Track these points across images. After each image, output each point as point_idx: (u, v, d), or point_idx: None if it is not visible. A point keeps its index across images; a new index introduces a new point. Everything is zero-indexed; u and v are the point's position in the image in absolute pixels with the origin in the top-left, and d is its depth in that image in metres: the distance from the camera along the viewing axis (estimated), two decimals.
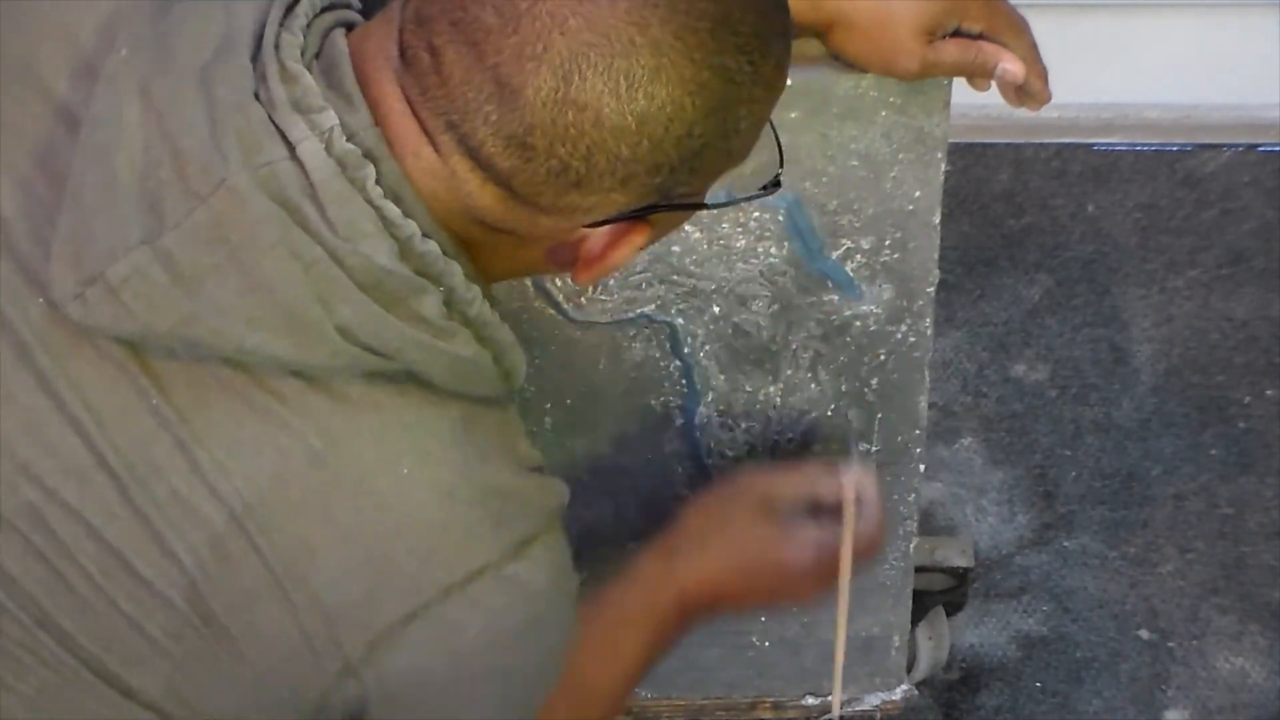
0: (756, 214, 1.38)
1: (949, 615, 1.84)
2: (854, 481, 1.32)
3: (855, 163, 1.36)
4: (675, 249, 1.40)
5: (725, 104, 0.94)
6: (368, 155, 0.92)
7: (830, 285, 1.43)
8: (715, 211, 1.38)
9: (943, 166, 1.37)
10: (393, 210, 0.92)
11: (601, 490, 1.56)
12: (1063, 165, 2.43)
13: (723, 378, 1.48)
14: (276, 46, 0.93)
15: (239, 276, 0.90)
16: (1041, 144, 2.44)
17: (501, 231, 0.97)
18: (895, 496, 1.56)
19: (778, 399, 1.50)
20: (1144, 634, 1.93)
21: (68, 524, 0.95)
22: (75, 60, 0.96)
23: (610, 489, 1.56)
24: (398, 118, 0.93)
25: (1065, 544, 2.01)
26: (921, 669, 1.82)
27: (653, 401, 1.50)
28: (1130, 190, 2.41)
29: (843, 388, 1.49)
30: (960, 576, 1.83)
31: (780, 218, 1.38)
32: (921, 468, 1.56)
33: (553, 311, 1.44)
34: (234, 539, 0.95)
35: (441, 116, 0.92)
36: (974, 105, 2.38)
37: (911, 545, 1.61)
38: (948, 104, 1.33)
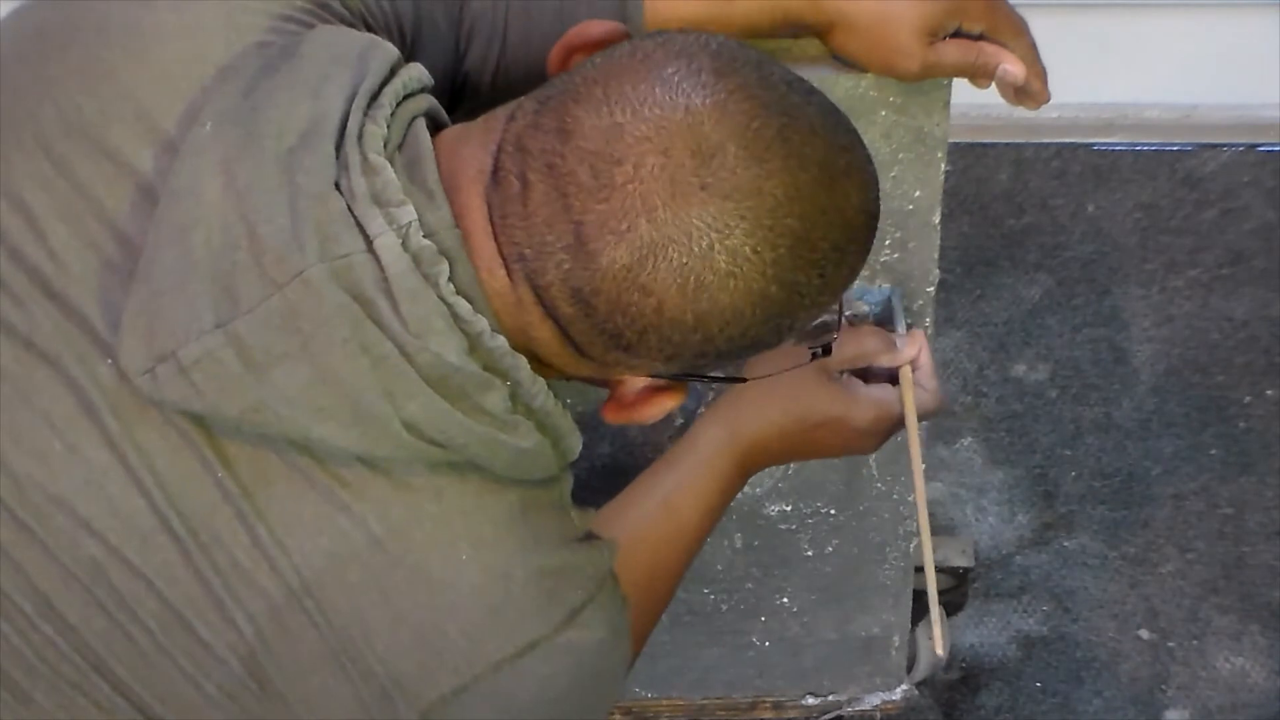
0: None
1: (949, 615, 1.84)
2: (908, 346, 1.32)
3: None
4: None
5: (786, 312, 0.95)
6: (444, 253, 0.93)
7: None
8: None
9: (943, 166, 1.37)
10: (464, 306, 0.93)
11: (602, 490, 1.56)
12: (1063, 165, 2.43)
13: None
14: (360, 137, 0.94)
15: (309, 367, 0.91)
16: (1041, 144, 2.44)
17: (550, 368, 0.99)
18: (895, 496, 1.56)
19: None
20: (1144, 634, 1.93)
21: (129, 581, 0.96)
22: (156, 133, 0.96)
23: (610, 489, 1.56)
24: (479, 231, 0.94)
25: (1065, 544, 2.01)
26: (921, 669, 1.82)
27: None
28: (1130, 190, 2.41)
29: None
30: (960, 576, 1.83)
31: None
32: (922, 468, 1.56)
33: None
34: (292, 612, 0.96)
35: (517, 246, 0.93)
36: (974, 105, 2.38)
37: (911, 545, 1.61)
38: (948, 104, 1.33)
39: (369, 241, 0.91)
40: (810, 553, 1.58)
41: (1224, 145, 2.46)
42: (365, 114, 0.94)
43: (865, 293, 1.43)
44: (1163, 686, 1.88)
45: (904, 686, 1.75)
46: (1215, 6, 2.41)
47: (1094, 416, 2.14)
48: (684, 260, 0.91)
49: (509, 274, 0.94)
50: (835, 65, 1.31)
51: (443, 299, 0.92)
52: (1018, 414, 2.14)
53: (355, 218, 0.91)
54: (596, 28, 1.01)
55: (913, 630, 1.76)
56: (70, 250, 0.95)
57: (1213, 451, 2.10)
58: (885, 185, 1.37)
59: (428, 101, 0.99)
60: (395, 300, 0.91)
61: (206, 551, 0.95)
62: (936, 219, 1.39)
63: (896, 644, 1.69)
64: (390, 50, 0.98)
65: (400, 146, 0.95)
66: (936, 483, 2.06)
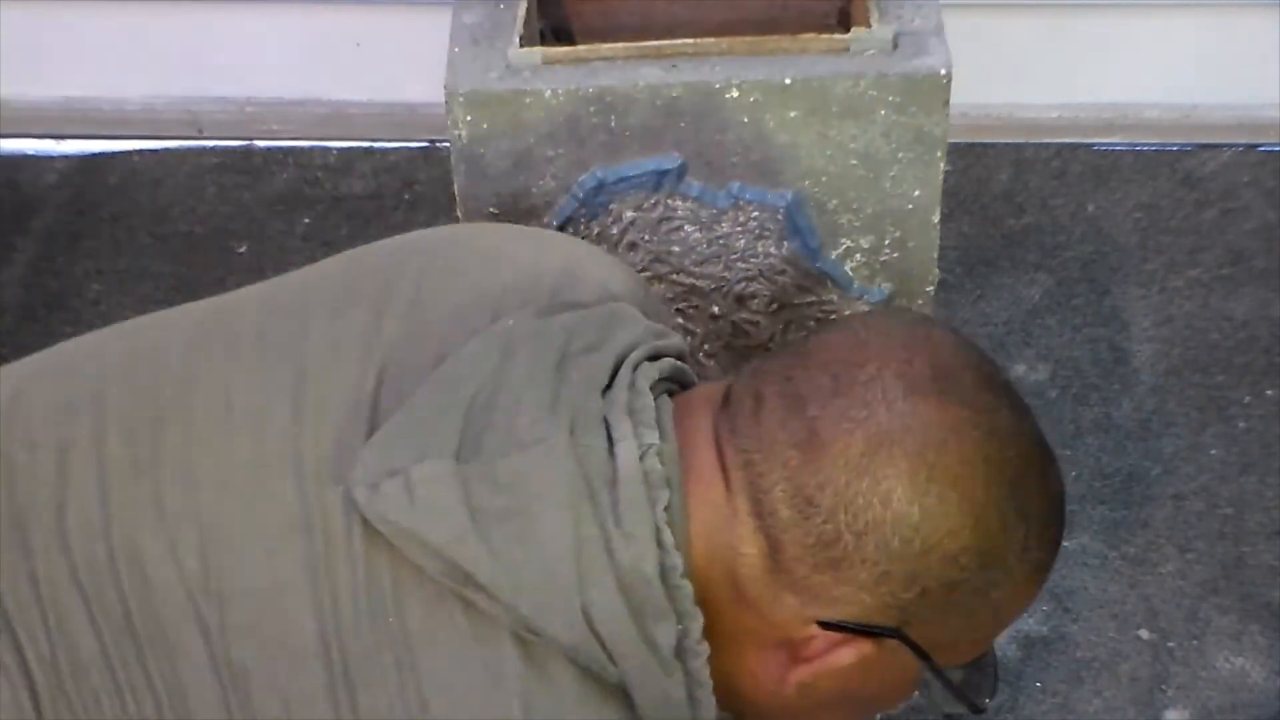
0: (756, 213, 1.38)
1: None
2: None
3: (855, 162, 1.36)
4: (675, 249, 1.40)
5: (994, 553, 0.99)
6: (668, 481, 0.98)
7: (830, 284, 1.43)
8: (714, 210, 1.38)
9: (942, 166, 1.37)
10: (668, 538, 0.97)
11: None
12: (1063, 165, 2.43)
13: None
14: (636, 367, 1.02)
15: (519, 524, 0.95)
16: (1041, 144, 2.43)
17: (743, 605, 1.00)
18: None
19: None
20: (1144, 634, 1.93)
21: (266, 696, 0.98)
22: (472, 314, 1.06)
23: None
24: (702, 448, 1.00)
25: (1065, 544, 2.00)
26: None
27: None
28: (1130, 190, 2.41)
29: None
30: None
31: (780, 217, 1.38)
32: None
33: None
34: None
35: (742, 454, 0.98)
36: (974, 105, 2.38)
37: None
38: (947, 103, 1.33)
39: (611, 444, 0.97)
40: None
41: (1224, 145, 2.45)
42: (645, 358, 1.04)
43: (865, 291, 1.43)
44: (1162, 686, 1.88)
45: None
46: (1215, 6, 2.41)
47: (1094, 416, 2.14)
48: (919, 449, 0.95)
49: (727, 483, 0.99)
50: (835, 64, 1.31)
51: (655, 522, 0.96)
52: None
53: (607, 423, 0.98)
54: None
55: None
56: (350, 387, 1.03)
57: (1213, 451, 2.10)
58: (885, 184, 1.37)
59: (680, 380, 1.08)
60: (617, 500, 0.96)
61: (352, 690, 0.97)
62: (936, 219, 1.40)
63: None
64: (684, 344, 1.08)
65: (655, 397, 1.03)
66: None
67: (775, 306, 1.43)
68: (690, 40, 1.34)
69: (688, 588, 0.97)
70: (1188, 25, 2.42)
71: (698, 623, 0.98)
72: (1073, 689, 1.89)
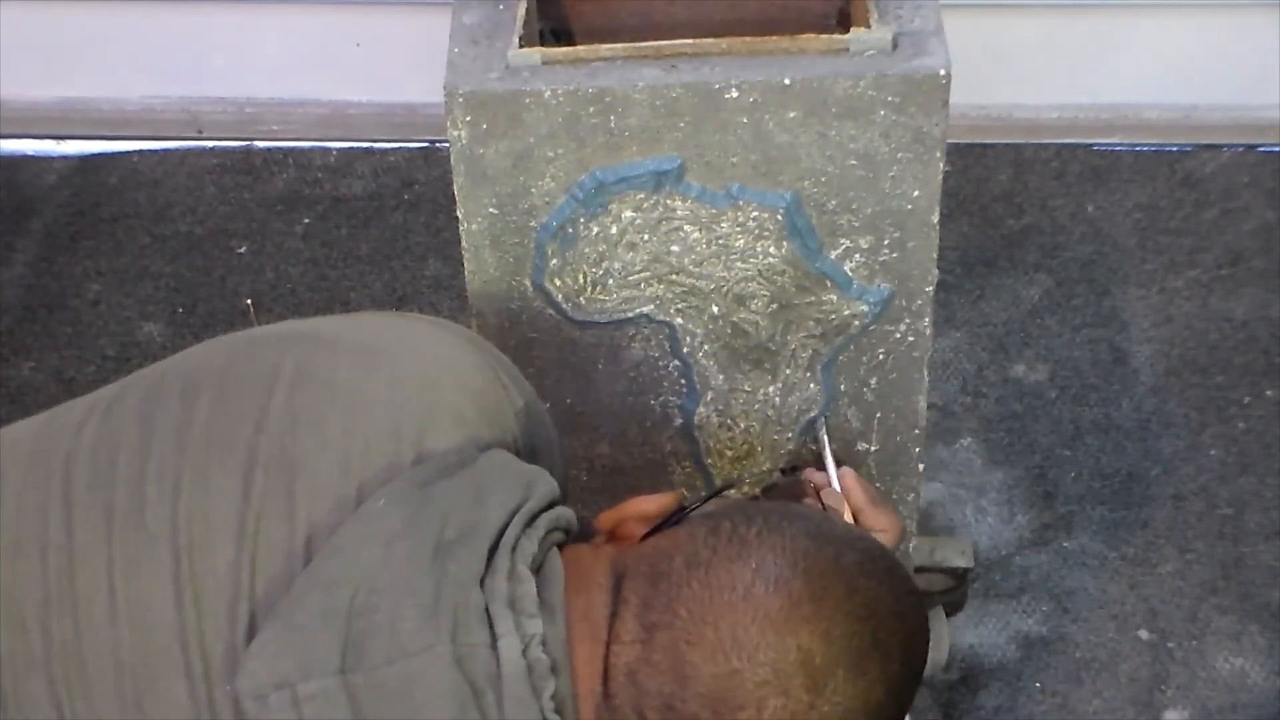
0: (755, 213, 1.38)
1: (949, 615, 1.84)
2: (833, 493, 1.34)
3: (854, 162, 1.36)
4: (674, 249, 1.40)
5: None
6: (555, 670, 1.02)
7: (829, 284, 1.43)
8: (714, 210, 1.38)
9: (941, 166, 1.37)
10: None
11: (602, 490, 1.56)
12: (1063, 165, 2.43)
13: (722, 377, 1.48)
14: (514, 548, 1.04)
15: None
16: (1041, 144, 2.44)
17: None
18: (894, 496, 1.56)
19: (777, 398, 1.50)
20: (1144, 634, 1.93)
21: None
22: (339, 494, 1.05)
23: (610, 489, 1.56)
24: (584, 646, 1.04)
25: (1065, 544, 2.01)
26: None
27: (652, 401, 1.50)
28: (1130, 190, 2.41)
29: (842, 387, 1.49)
30: (959, 577, 1.83)
31: (779, 217, 1.38)
32: (921, 468, 1.56)
33: (552, 311, 1.44)
34: None
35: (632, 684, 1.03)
36: (974, 105, 2.38)
37: (911, 545, 1.61)
38: (946, 104, 1.33)
39: (494, 639, 1.00)
40: None
41: (1224, 145, 2.46)
42: (523, 531, 1.05)
43: (865, 292, 1.43)
44: (1162, 687, 1.88)
45: None
46: (1215, 6, 2.41)
47: (1093, 417, 2.14)
48: None
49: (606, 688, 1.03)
50: (835, 64, 1.31)
51: (542, 712, 1.00)
52: (1017, 414, 2.14)
53: (489, 615, 1.01)
54: (652, 504, 1.12)
55: None
56: (226, 572, 1.03)
57: (1212, 452, 2.10)
58: (884, 185, 1.37)
59: (562, 536, 1.10)
60: (502, 698, 0.99)
61: None
62: (935, 219, 1.40)
63: None
64: (553, 484, 1.10)
65: (539, 569, 1.05)
66: (936, 483, 2.06)
67: (775, 306, 1.43)
68: (690, 40, 1.34)
69: None
70: (1188, 25, 2.42)
71: None
72: (1072, 689, 1.89)
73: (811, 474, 1.39)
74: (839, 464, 1.40)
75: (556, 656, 1.02)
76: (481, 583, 1.02)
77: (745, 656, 1.01)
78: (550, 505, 1.09)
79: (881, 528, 1.32)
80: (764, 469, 1.53)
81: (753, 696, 1.01)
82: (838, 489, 1.35)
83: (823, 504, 1.34)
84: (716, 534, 1.06)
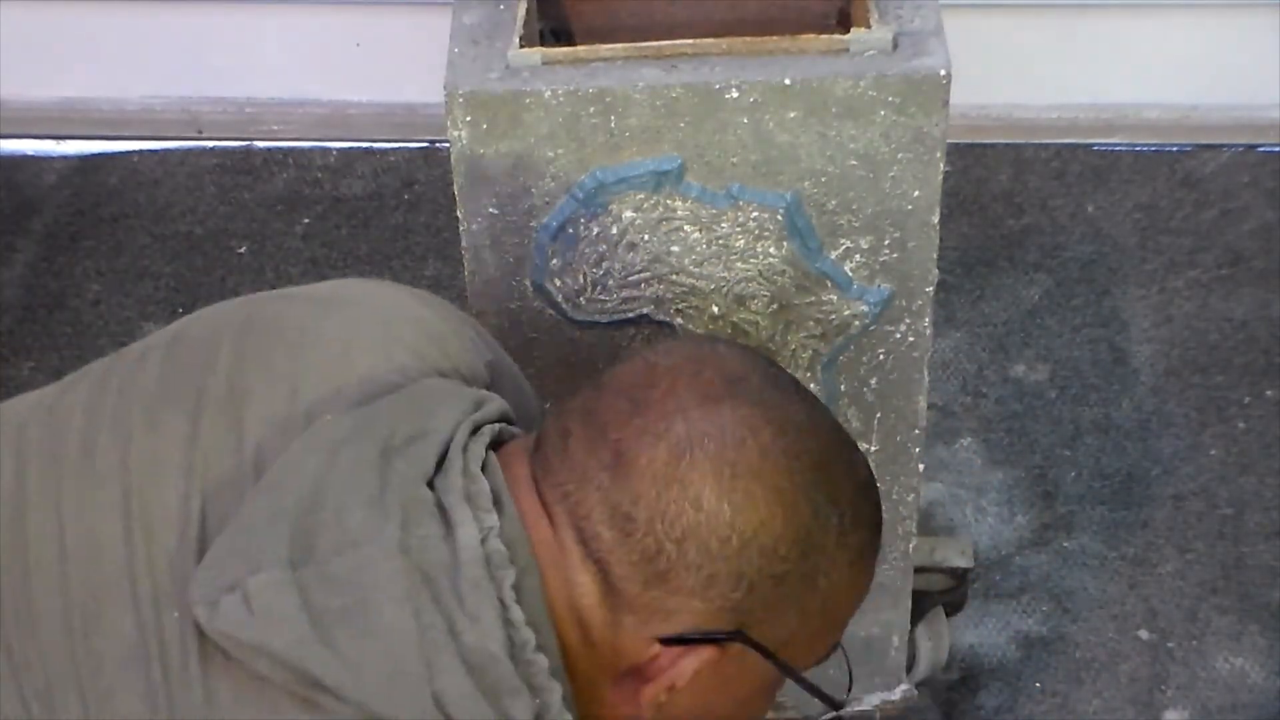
0: (755, 214, 1.38)
1: (948, 615, 1.84)
2: None
3: (854, 162, 1.36)
4: (674, 249, 1.40)
5: (810, 540, 1.01)
6: (513, 561, 1.00)
7: (829, 285, 1.43)
8: (714, 210, 1.38)
9: (941, 166, 1.37)
10: (517, 614, 0.98)
11: None
12: (1063, 165, 2.43)
13: None
14: (465, 449, 1.03)
15: (361, 621, 0.96)
16: (1041, 144, 2.44)
17: (591, 645, 1.02)
18: (894, 496, 1.56)
19: None
20: (1143, 634, 1.93)
21: None
22: (285, 416, 1.06)
23: None
24: (524, 492, 1.03)
25: (1065, 544, 2.01)
26: (921, 669, 1.82)
27: None
28: (1130, 190, 2.41)
29: (842, 387, 1.49)
30: (960, 576, 1.83)
31: (779, 217, 1.38)
32: (921, 468, 1.56)
33: (552, 311, 1.44)
34: None
35: (559, 488, 1.02)
36: (974, 105, 2.38)
37: (911, 545, 1.61)
38: (946, 104, 1.33)
39: (449, 530, 0.99)
40: None
41: (1224, 145, 2.46)
42: (471, 435, 1.04)
43: (865, 292, 1.43)
44: (1162, 687, 1.88)
45: (903, 686, 1.75)
46: (1215, 6, 2.41)
47: (1094, 416, 2.14)
48: (719, 450, 0.99)
49: (552, 521, 1.01)
50: (835, 64, 1.31)
51: (501, 600, 0.98)
52: (1017, 414, 2.14)
53: (442, 509, 1.00)
54: None
55: (912, 630, 1.76)
56: (176, 505, 1.04)
57: (1212, 452, 2.10)
58: (884, 185, 1.37)
59: (510, 432, 1.09)
60: (457, 584, 0.97)
61: None
62: (935, 219, 1.40)
63: (896, 644, 1.69)
64: (503, 403, 1.09)
65: (484, 467, 1.04)
66: (936, 483, 2.06)
67: (775, 307, 1.43)
68: (690, 40, 1.34)
69: (541, 661, 0.99)
70: (1188, 25, 2.42)
71: (555, 695, 1.00)
72: (1072, 689, 1.89)
73: None
74: None
75: (518, 552, 1.00)
76: (431, 485, 1.01)
77: (663, 354, 1.04)
78: (501, 418, 1.08)
79: None
80: None
81: (665, 376, 1.02)
82: None
83: None
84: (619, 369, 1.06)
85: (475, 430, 1.05)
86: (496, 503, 1.02)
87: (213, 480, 1.04)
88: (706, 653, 1.02)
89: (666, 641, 1.01)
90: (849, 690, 1.15)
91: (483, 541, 0.99)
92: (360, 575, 0.97)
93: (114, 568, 1.03)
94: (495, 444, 1.07)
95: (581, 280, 1.42)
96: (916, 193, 1.38)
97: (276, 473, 1.02)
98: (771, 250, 1.40)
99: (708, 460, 0.99)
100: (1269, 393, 2.15)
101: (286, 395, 1.06)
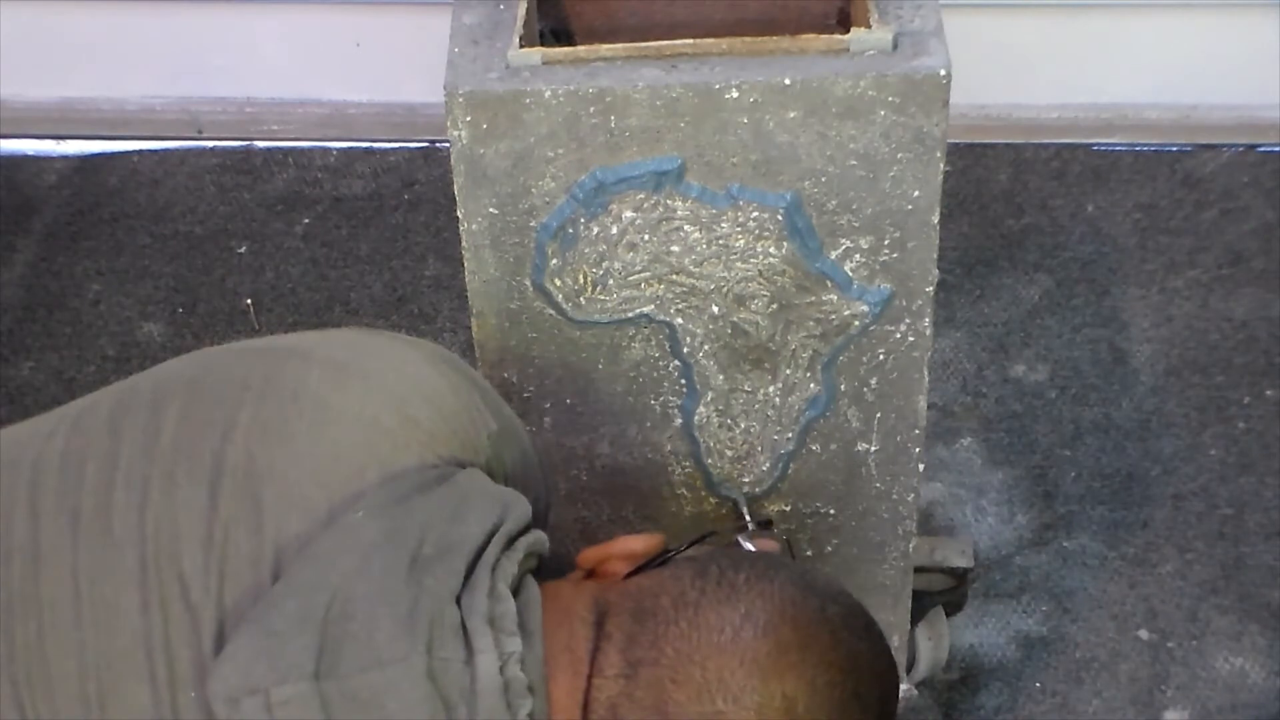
0: (755, 214, 1.38)
1: (948, 615, 1.84)
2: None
3: (854, 162, 1.36)
4: (674, 249, 1.40)
5: None
6: (530, 687, 1.01)
7: (829, 284, 1.43)
8: (714, 210, 1.38)
9: (941, 166, 1.37)
10: None
11: (602, 491, 1.56)
12: (1063, 165, 2.43)
13: (721, 377, 1.48)
14: (494, 567, 1.04)
15: None
16: (1041, 144, 2.44)
17: None
18: (894, 496, 1.57)
19: (777, 398, 1.50)
20: (1143, 634, 1.93)
21: None
22: (309, 506, 1.05)
23: (610, 489, 1.56)
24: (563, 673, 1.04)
25: (1065, 544, 2.01)
26: (921, 669, 1.82)
27: (652, 401, 1.50)
28: (1130, 190, 2.41)
29: (842, 387, 1.49)
30: (960, 577, 1.83)
31: (779, 217, 1.38)
32: (921, 468, 1.56)
33: (552, 312, 1.44)
34: None
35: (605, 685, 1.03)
36: (974, 105, 2.38)
37: (911, 545, 1.61)
38: (946, 104, 1.33)
39: (471, 655, 1.00)
40: (810, 552, 1.59)
41: (1224, 145, 2.46)
42: (502, 551, 1.05)
43: (865, 292, 1.43)
44: (1162, 687, 1.88)
45: (904, 686, 1.75)
46: (1215, 6, 2.41)
47: (1094, 417, 2.14)
48: None
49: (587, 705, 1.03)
50: (835, 66, 1.31)
51: None
52: (1017, 414, 2.14)
53: (466, 632, 1.00)
54: (638, 544, 1.12)
55: (912, 630, 1.76)
56: (193, 579, 1.03)
57: (1212, 452, 2.10)
58: (884, 185, 1.37)
59: (536, 562, 1.10)
60: (476, 713, 0.99)
61: None
62: (935, 219, 1.40)
63: (896, 644, 1.69)
64: (528, 507, 1.09)
65: (516, 593, 1.05)
66: (936, 483, 2.06)
67: (775, 306, 1.43)
68: (690, 40, 1.34)
69: None
70: (1188, 25, 2.42)
71: None
72: (1072, 689, 1.89)
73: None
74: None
75: (533, 679, 1.02)
76: (458, 600, 1.02)
77: (730, 699, 1.01)
78: (526, 529, 1.09)
79: None
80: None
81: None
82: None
83: None
84: (704, 576, 1.06)
85: (510, 543, 1.06)
86: (524, 630, 1.03)
87: (231, 560, 1.03)
88: None
89: None
90: None
91: (501, 669, 1.00)
92: (383, 697, 0.98)
93: (130, 639, 1.03)
94: (530, 555, 1.08)
95: (581, 280, 1.42)
96: (916, 193, 1.38)
97: (306, 570, 1.01)
98: (771, 250, 1.40)
99: None
100: (1269, 393, 2.15)
101: (308, 480, 1.06)
